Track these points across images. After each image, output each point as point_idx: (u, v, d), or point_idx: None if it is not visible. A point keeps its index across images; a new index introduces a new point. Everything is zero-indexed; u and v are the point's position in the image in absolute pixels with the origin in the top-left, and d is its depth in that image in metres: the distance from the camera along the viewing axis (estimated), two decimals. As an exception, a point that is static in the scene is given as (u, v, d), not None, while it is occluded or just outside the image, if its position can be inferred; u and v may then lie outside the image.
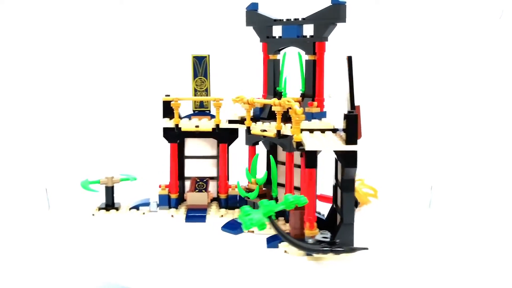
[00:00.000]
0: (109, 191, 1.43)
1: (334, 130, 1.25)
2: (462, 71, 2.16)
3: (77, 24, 2.11)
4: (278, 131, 1.31)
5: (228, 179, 1.47)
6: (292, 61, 1.40)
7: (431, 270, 1.09)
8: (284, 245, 1.17)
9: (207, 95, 1.46)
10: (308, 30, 1.35)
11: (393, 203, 1.48)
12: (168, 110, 1.43)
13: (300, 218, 1.20)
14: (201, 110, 1.48)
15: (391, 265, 1.11)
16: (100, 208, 1.42)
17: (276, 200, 1.35)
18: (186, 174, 1.50)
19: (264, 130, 1.35)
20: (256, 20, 1.41)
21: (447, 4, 2.16)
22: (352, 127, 1.12)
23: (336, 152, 1.14)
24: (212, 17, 2.08)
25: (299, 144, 1.17)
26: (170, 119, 1.43)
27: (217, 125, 1.42)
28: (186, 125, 1.43)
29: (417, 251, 1.18)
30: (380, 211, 1.45)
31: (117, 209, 1.42)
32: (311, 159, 1.17)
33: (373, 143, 1.78)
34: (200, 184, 1.45)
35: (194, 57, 1.44)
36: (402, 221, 1.38)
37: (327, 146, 1.13)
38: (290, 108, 1.22)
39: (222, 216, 1.40)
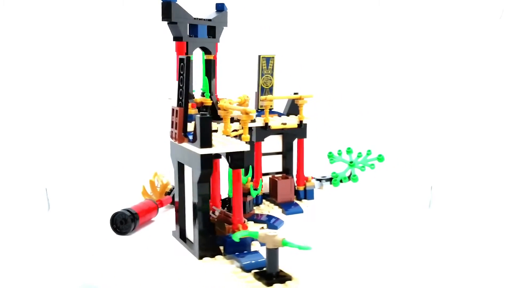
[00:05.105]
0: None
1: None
2: (462, 71, 2.16)
3: (78, 24, 2.11)
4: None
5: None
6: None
7: (431, 270, 1.09)
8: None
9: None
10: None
11: (393, 203, 1.48)
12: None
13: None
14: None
15: (392, 265, 1.11)
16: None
17: None
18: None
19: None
20: (181, 15, 1.33)
21: (447, 4, 2.16)
22: None
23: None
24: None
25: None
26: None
27: (301, 121, 1.49)
28: (275, 123, 1.47)
29: (417, 251, 1.18)
30: (380, 211, 1.45)
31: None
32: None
33: (373, 143, 1.79)
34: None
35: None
36: (402, 221, 1.38)
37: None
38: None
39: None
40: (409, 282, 1.04)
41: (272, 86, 1.51)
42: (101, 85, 2.10)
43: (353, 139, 1.81)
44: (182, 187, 1.21)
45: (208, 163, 1.10)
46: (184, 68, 1.13)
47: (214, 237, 1.14)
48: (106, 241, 1.24)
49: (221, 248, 1.14)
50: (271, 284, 0.98)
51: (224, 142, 1.14)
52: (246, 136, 1.21)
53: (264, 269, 1.03)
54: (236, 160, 1.13)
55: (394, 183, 1.66)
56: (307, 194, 1.53)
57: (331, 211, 1.46)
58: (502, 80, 2.15)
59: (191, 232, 1.17)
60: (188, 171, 1.18)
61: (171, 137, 1.18)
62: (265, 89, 1.51)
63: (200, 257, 1.12)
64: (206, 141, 1.09)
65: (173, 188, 1.55)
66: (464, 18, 2.15)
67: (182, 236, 1.22)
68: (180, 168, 1.22)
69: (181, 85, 1.15)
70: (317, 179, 1.58)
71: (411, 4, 2.17)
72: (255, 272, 1.03)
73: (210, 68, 1.43)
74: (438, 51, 2.17)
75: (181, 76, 1.15)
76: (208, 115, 1.10)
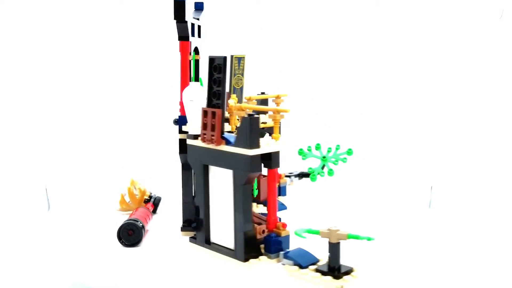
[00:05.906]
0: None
1: None
2: (462, 71, 2.16)
3: (77, 24, 2.11)
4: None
5: None
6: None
7: (431, 270, 1.09)
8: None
9: None
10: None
11: (393, 203, 1.48)
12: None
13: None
14: None
15: (391, 265, 1.11)
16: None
17: None
18: None
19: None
20: (188, 14, 1.31)
21: (447, 4, 2.16)
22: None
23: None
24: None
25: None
26: None
27: None
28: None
29: (417, 251, 1.18)
30: (380, 211, 1.45)
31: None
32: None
33: (373, 143, 1.79)
34: None
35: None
36: (402, 221, 1.38)
37: None
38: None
39: None
40: (409, 281, 1.04)
41: (242, 86, 1.49)
42: (99, 85, 2.10)
43: (330, 137, 1.80)
44: (207, 191, 1.18)
45: (257, 164, 1.08)
46: (222, 69, 1.12)
47: (256, 238, 1.12)
48: (107, 242, 1.24)
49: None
50: (340, 277, 0.99)
51: (263, 141, 1.12)
52: (277, 135, 1.19)
53: (319, 263, 1.04)
54: (275, 159, 1.13)
55: (394, 183, 1.66)
56: (281, 191, 1.50)
57: (325, 209, 1.46)
58: (502, 80, 2.15)
59: (222, 236, 1.15)
60: (220, 174, 1.14)
61: (204, 139, 1.14)
62: (236, 89, 1.49)
63: (246, 260, 1.10)
64: (255, 142, 1.08)
65: (152, 195, 1.53)
66: (464, 18, 2.15)
67: (208, 241, 1.18)
68: (204, 172, 1.17)
69: (214, 86, 1.13)
70: (286, 176, 1.56)
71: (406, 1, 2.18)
72: (316, 268, 1.02)
73: (199, 68, 1.42)
74: (437, 51, 2.16)
75: (215, 77, 1.13)
76: (256, 115, 1.08)
